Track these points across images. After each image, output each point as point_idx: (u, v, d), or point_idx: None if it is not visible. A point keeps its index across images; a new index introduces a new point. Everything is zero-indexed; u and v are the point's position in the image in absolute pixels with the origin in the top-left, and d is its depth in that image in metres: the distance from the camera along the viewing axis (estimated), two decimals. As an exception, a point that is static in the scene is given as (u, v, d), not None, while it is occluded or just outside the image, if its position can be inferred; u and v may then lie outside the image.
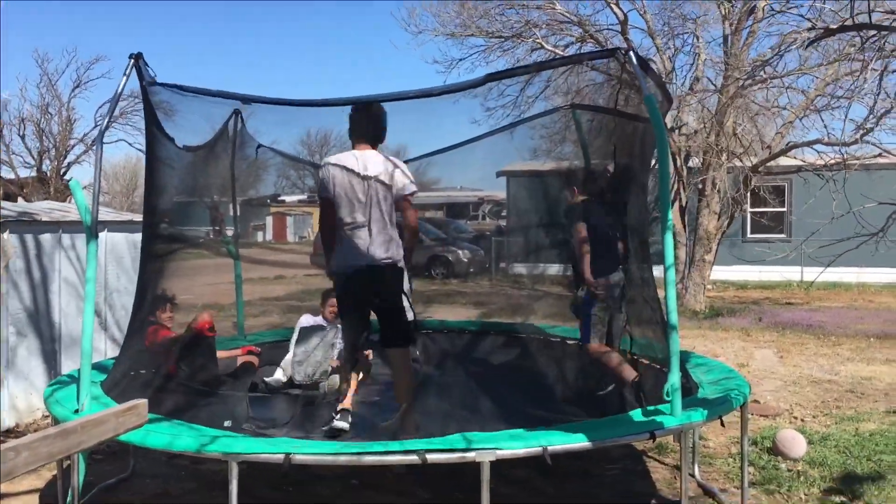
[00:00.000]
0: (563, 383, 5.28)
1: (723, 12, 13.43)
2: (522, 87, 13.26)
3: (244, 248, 7.49)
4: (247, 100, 5.71)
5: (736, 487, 5.02)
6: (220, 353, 5.89)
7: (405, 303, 4.60)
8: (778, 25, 13.31)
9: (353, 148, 4.60)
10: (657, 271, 4.61)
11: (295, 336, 5.95)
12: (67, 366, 6.94)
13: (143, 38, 61.46)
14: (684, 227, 14.71)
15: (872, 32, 5.47)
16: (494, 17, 14.85)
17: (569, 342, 6.11)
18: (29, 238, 6.67)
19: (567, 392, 5.17)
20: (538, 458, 3.49)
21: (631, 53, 3.98)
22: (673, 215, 12.04)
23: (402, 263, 4.50)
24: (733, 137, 13.45)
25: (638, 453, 5.68)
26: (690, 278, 14.25)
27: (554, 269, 6.79)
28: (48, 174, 26.80)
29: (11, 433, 6.24)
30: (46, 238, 6.85)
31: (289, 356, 5.82)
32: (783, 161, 14.60)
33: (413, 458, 3.40)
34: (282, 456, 3.40)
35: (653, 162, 5.25)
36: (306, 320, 6.13)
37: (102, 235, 7.26)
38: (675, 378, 3.82)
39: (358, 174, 4.43)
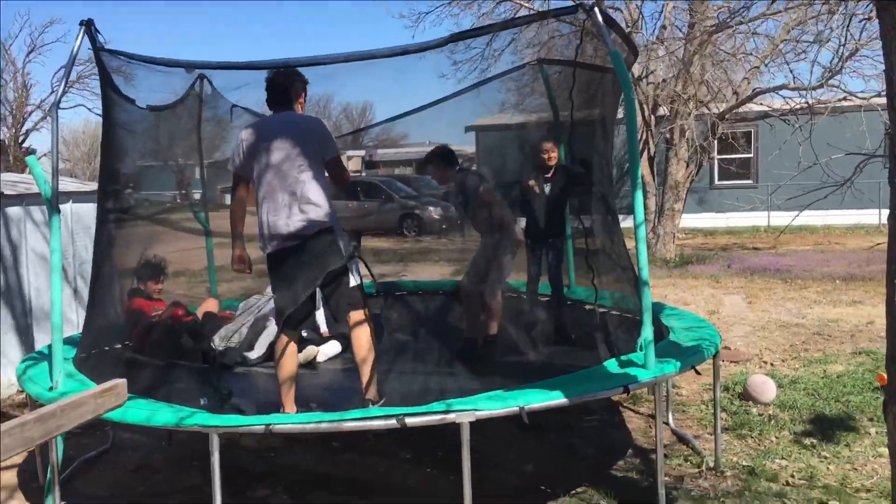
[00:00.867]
0: (537, 337, 5.32)
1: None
2: (489, 40, 13.11)
3: (213, 212, 7.36)
4: (192, 66, 5.60)
5: (709, 434, 5.14)
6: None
7: (349, 272, 4.13)
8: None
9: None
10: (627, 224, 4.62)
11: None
12: (41, 339, 6.88)
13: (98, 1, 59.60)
14: (653, 176, 14.80)
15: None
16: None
17: (542, 298, 6.16)
18: (-7, 212, 6.54)
19: (541, 345, 5.23)
20: (518, 414, 3.54)
21: (595, 10, 3.95)
22: (642, 166, 12.08)
23: (333, 230, 4.10)
24: (701, 85, 13.47)
25: (614, 404, 5.78)
26: (661, 226, 14.38)
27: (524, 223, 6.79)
28: (6, 142, 26.18)
29: (-12, 409, 6.19)
30: (14, 211, 6.72)
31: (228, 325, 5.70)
32: (750, 107, 14.69)
33: (392, 422, 3.43)
34: (262, 427, 3.42)
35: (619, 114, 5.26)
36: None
37: (67, 207, 7.14)
38: (647, 332, 3.88)
39: (273, 140, 4.11)
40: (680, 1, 14.15)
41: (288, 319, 4.16)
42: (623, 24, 12.08)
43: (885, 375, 2.52)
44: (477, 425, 3.48)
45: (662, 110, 14.77)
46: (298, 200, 4.03)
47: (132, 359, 4.85)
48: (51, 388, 3.96)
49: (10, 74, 26.35)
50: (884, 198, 3.25)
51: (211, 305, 6.11)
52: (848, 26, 7.51)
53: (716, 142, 14.55)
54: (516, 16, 13.83)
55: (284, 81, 4.25)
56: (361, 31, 75.44)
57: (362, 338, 4.09)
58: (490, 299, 5.50)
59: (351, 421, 3.49)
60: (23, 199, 6.82)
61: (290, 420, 3.70)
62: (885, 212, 2.52)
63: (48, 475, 3.90)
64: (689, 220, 19.00)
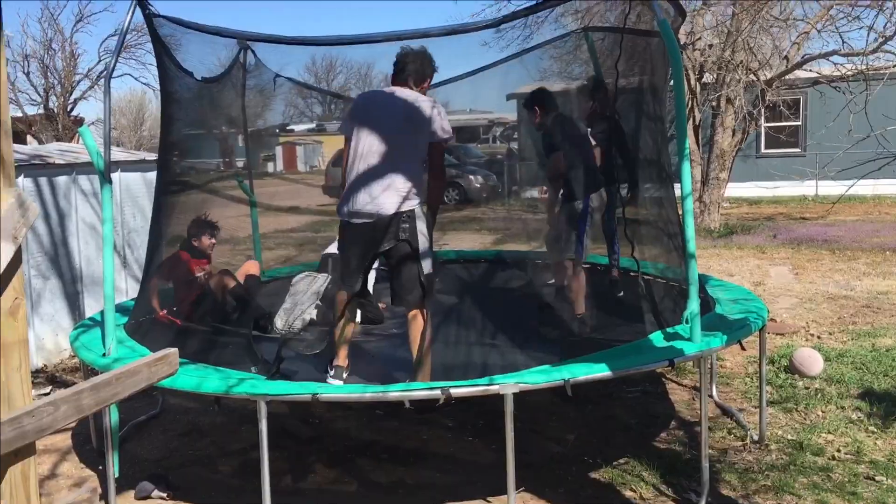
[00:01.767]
0: (581, 308, 5.30)
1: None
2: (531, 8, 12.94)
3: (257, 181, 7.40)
4: (247, 38, 5.68)
5: (754, 407, 5.10)
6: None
7: (424, 258, 4.06)
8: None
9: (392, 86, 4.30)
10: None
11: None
12: (90, 305, 7.06)
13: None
14: (698, 144, 14.55)
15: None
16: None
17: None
18: (43, 181, 6.69)
19: (585, 317, 5.21)
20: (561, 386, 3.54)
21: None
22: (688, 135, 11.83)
23: (416, 214, 4.03)
24: (748, 51, 13.15)
25: (657, 375, 5.76)
26: (706, 196, 14.17)
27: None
28: (55, 111, 26.60)
29: (41, 373, 6.39)
30: (62, 180, 6.87)
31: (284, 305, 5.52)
32: (799, 74, 14.32)
33: (436, 393, 3.46)
34: (308, 396, 3.47)
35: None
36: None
37: (116, 176, 7.26)
38: (694, 305, 3.84)
39: (381, 112, 4.12)
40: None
41: (348, 281, 4.16)
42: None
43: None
44: (519, 395, 3.49)
45: (707, 77, 14.46)
46: (390, 176, 3.96)
47: (182, 326, 4.94)
48: (104, 355, 4.06)
49: (58, 44, 26.71)
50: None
51: (252, 268, 6.02)
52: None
53: (763, 109, 14.21)
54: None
55: (405, 60, 4.21)
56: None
57: (420, 324, 4.04)
58: (572, 268, 5.44)
59: (395, 392, 3.52)
60: (73, 169, 6.96)
61: (336, 390, 3.75)
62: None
63: (105, 440, 4.01)
64: (734, 189, 18.67)
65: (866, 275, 9.49)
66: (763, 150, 20.25)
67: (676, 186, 4.11)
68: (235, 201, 6.69)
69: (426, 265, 4.05)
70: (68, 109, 27.14)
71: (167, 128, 5.31)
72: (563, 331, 5.01)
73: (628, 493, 4.03)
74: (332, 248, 5.70)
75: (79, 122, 27.20)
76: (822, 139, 13.92)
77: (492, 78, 6.91)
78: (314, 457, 4.65)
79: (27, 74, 26.68)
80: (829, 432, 4.65)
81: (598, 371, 3.56)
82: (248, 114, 6.86)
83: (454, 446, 4.73)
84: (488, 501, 3.96)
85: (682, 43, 12.43)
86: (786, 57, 13.65)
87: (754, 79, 13.62)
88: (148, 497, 4.14)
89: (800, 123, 19.61)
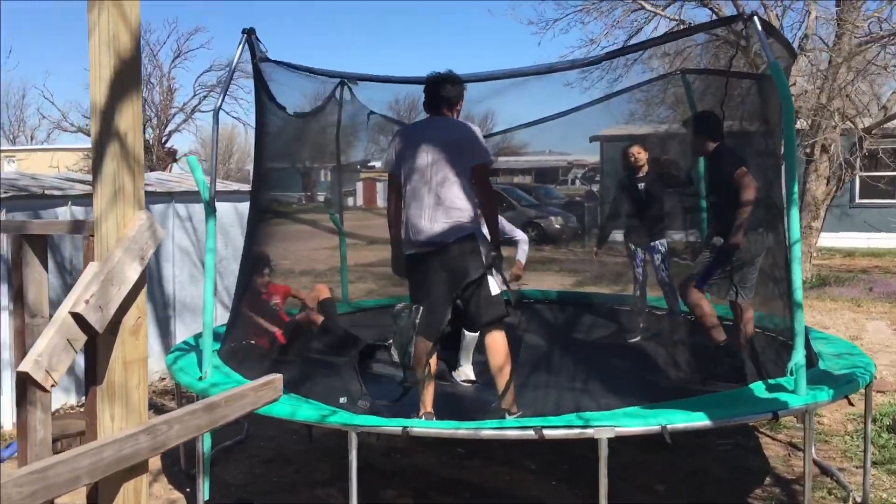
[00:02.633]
0: (674, 355, 5.16)
1: (836, -35, 12.70)
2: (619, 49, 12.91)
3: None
4: (351, 78, 5.88)
5: (855, 467, 4.84)
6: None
7: (489, 279, 4.04)
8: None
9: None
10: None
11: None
12: (180, 329, 7.24)
13: (240, 11, 62.09)
14: (790, 192, 14.12)
15: None
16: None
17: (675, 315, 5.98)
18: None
19: (679, 363, 5.06)
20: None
21: (755, 19, 3.79)
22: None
23: (475, 237, 4.06)
24: (846, 99, 12.76)
25: (750, 428, 5.53)
26: (796, 246, 13.70)
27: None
28: (150, 142, 27.76)
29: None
30: (159, 208, 7.10)
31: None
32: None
33: (530, 433, 3.39)
34: (399, 429, 3.45)
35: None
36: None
37: (212, 205, 7.48)
38: (799, 356, 3.68)
39: (422, 143, 4.13)
40: (824, 9, 13.48)
41: (425, 327, 4.10)
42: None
43: None
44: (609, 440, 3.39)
45: (800, 123, 14.07)
46: (442, 204, 4.02)
47: (275, 355, 5.02)
48: (199, 379, 4.14)
49: (156, 78, 27.97)
50: None
51: (324, 292, 5.94)
52: None
53: (860, 158, 13.72)
54: (650, 22, 13.56)
55: (439, 87, 4.26)
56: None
57: (499, 347, 4.01)
58: (741, 305, 5.07)
59: (488, 430, 3.47)
60: (172, 196, 7.20)
61: (427, 425, 3.72)
62: None
63: (197, 464, 4.07)
64: (827, 240, 18.01)
65: (972, 333, 8.98)
66: (858, 199, 19.51)
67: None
68: (327, 231, 6.81)
69: (494, 286, 4.05)
70: (162, 141, 28.30)
71: (260, 159, 5.46)
72: (661, 376, 4.88)
73: (723, 551, 3.86)
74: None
75: (171, 153, 28.32)
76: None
77: (576, 119, 6.85)
78: (396, 491, 4.61)
79: (127, 107, 27.95)
80: (940, 498, 4.37)
81: (697, 419, 3.44)
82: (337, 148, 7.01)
83: (538, 489, 4.63)
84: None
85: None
86: (884, 107, 13.21)
87: (851, 126, 13.20)
88: (235, 521, 4.17)
89: (899, 173, 18.86)
